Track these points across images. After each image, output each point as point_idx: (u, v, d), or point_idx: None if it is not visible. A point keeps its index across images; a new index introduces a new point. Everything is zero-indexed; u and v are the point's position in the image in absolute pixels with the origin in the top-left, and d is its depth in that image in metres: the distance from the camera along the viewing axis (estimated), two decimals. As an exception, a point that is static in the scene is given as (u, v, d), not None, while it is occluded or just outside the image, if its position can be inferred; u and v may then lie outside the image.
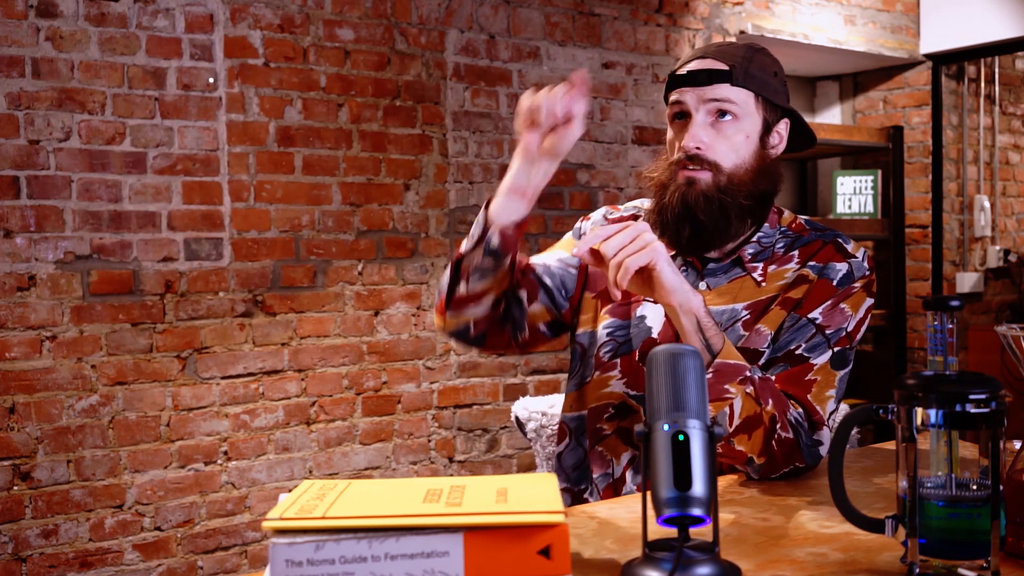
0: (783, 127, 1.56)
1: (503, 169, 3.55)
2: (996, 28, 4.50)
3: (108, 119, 2.85)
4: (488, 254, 1.43)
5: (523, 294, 1.55)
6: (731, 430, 1.35)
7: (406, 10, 3.35)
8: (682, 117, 1.51)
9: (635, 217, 1.64)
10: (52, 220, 2.78)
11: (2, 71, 2.70)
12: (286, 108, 3.13)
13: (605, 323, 1.57)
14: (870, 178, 4.75)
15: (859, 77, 5.04)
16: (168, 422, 2.94)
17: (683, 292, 1.33)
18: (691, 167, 1.48)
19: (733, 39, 4.15)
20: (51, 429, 2.77)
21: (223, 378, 3.03)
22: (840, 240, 1.54)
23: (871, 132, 4.71)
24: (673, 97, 1.51)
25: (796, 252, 1.53)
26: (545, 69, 3.66)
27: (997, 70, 5.03)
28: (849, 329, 1.47)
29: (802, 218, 1.60)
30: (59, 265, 2.79)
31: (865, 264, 1.52)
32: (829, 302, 1.47)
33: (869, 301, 1.51)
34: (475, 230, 1.45)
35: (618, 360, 1.55)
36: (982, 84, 4.98)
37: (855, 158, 5.06)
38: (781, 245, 1.54)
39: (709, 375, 1.32)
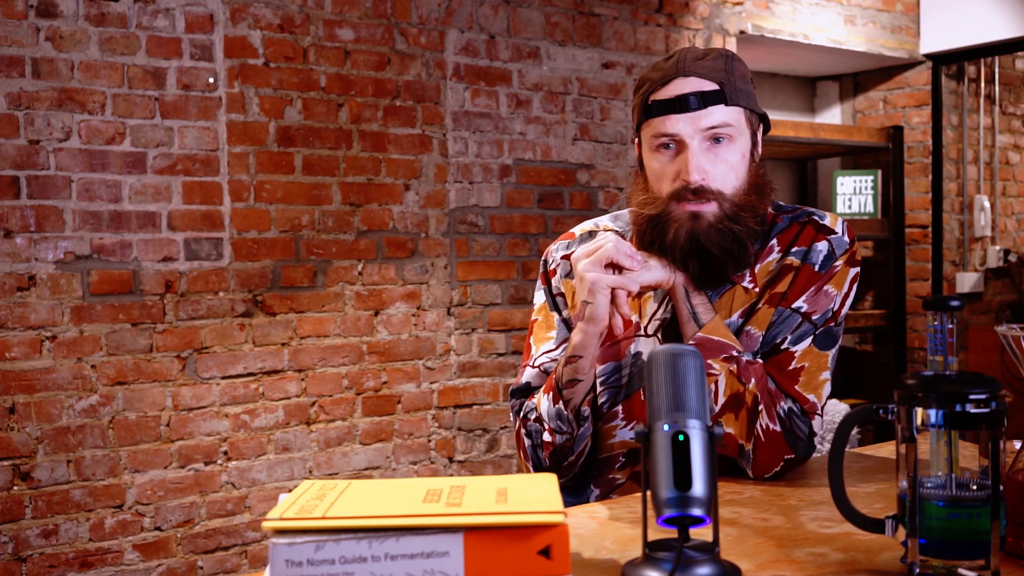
0: (760, 132, 1.50)
1: (503, 169, 3.55)
2: (996, 28, 4.50)
3: (108, 119, 2.85)
4: (583, 420, 1.47)
5: None
6: (717, 408, 1.36)
7: (406, 10, 3.35)
8: (670, 146, 1.42)
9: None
10: (52, 220, 2.78)
11: (2, 71, 2.70)
12: (286, 108, 3.13)
13: (599, 369, 1.51)
14: (870, 178, 4.75)
15: (859, 77, 5.04)
16: (168, 422, 2.94)
17: (655, 274, 1.40)
18: (693, 200, 1.40)
19: (733, 39, 4.15)
20: (51, 429, 2.77)
21: (223, 378, 3.03)
22: (816, 217, 1.50)
23: (871, 132, 4.71)
24: (662, 127, 1.41)
25: (774, 240, 1.49)
26: (545, 69, 3.66)
27: (997, 70, 5.03)
28: (835, 308, 1.45)
29: (772, 204, 1.53)
30: (59, 265, 2.79)
31: (845, 237, 1.48)
32: (813, 288, 1.44)
33: (854, 271, 1.47)
34: (556, 424, 1.45)
35: (619, 407, 1.50)
36: (982, 84, 4.98)
37: (855, 158, 5.06)
38: (760, 241, 1.49)
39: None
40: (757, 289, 1.47)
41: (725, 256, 1.41)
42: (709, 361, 1.37)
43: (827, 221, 1.50)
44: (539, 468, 1.50)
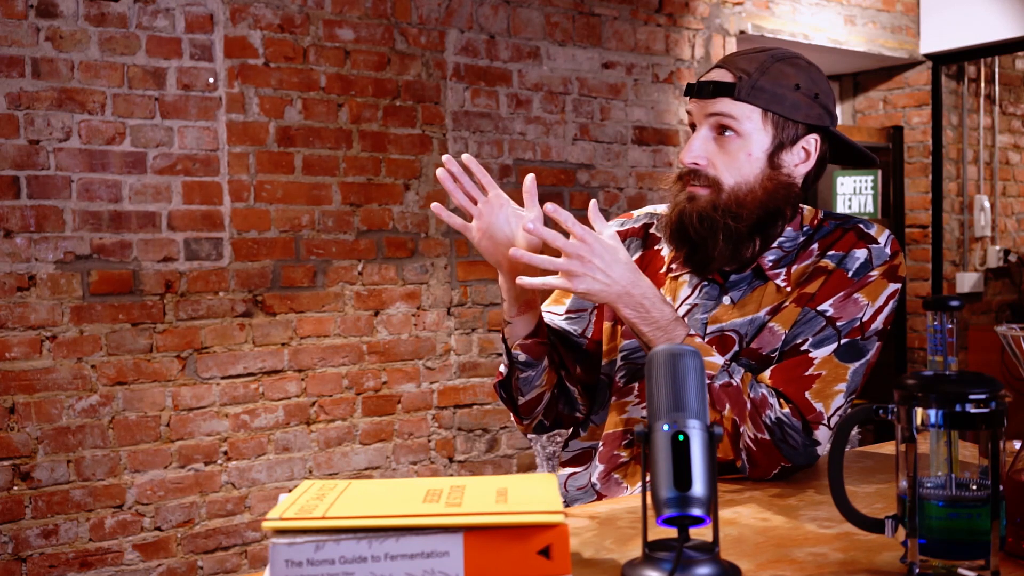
0: (812, 143, 1.46)
1: (503, 169, 3.55)
2: (996, 28, 4.50)
3: (108, 119, 2.85)
4: (523, 367, 1.47)
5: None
6: None
7: (406, 10, 3.35)
8: (694, 129, 1.48)
9: (646, 227, 1.61)
10: (52, 220, 2.78)
11: (2, 71, 2.70)
12: (286, 108, 3.13)
13: (622, 346, 1.53)
14: (870, 178, 4.75)
15: (859, 77, 5.04)
16: (168, 422, 2.94)
17: (610, 290, 1.32)
18: (693, 182, 1.45)
19: (733, 39, 4.15)
20: (51, 429, 2.77)
21: (223, 378, 3.03)
22: (862, 226, 1.48)
23: (871, 132, 4.71)
24: (687, 107, 1.50)
25: (816, 244, 1.48)
26: (545, 69, 3.66)
27: (997, 70, 5.03)
28: (864, 319, 1.41)
29: (823, 212, 1.54)
30: (59, 265, 2.79)
31: (887, 249, 1.45)
32: (842, 294, 1.42)
33: (892, 287, 1.44)
34: (504, 356, 1.50)
35: (635, 384, 1.50)
36: (982, 84, 4.98)
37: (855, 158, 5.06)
38: (802, 243, 1.49)
39: None
40: (789, 288, 1.46)
41: (700, 243, 1.43)
42: None
43: (872, 231, 1.48)
44: (498, 393, 1.57)
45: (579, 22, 3.73)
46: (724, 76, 1.44)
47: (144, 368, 2.90)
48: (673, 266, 1.54)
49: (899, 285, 1.46)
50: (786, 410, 1.36)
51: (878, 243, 1.46)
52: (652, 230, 1.61)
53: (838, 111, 5.14)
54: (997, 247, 4.98)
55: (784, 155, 1.45)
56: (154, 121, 2.91)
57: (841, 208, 4.79)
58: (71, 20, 2.79)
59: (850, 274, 1.44)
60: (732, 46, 4.14)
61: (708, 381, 1.35)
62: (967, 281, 4.87)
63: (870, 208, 4.75)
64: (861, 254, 1.45)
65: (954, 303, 0.97)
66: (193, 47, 2.97)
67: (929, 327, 0.99)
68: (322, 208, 3.20)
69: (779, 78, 1.43)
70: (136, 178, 2.89)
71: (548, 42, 3.67)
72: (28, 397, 2.74)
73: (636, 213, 1.66)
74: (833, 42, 4.44)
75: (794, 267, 1.48)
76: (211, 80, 3.00)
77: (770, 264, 1.47)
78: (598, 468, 1.52)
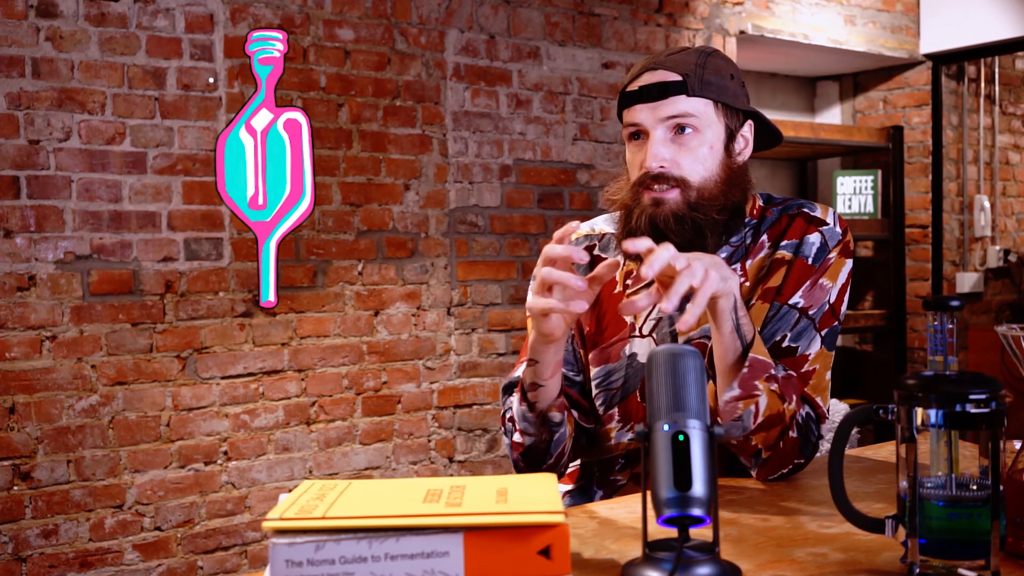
0: (747, 130, 1.49)
1: (503, 169, 3.55)
2: (996, 28, 4.50)
3: (108, 119, 2.85)
4: (557, 427, 1.42)
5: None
6: (753, 427, 1.30)
7: (406, 10, 3.35)
8: (639, 137, 1.45)
9: (589, 249, 1.55)
10: (52, 220, 2.78)
11: (2, 71, 2.70)
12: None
13: (593, 373, 1.51)
14: (870, 178, 4.75)
15: (859, 77, 5.04)
16: (168, 422, 2.94)
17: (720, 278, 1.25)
18: (656, 187, 1.41)
19: (733, 39, 4.15)
20: (51, 429, 2.77)
21: (223, 378, 3.03)
22: (806, 209, 1.48)
23: (871, 132, 4.71)
24: (628, 116, 1.45)
25: (764, 236, 1.48)
26: (545, 69, 3.66)
27: (997, 70, 5.03)
28: (832, 301, 1.43)
29: (761, 198, 1.53)
30: (59, 265, 2.79)
31: (837, 228, 1.47)
32: (808, 283, 1.43)
33: (848, 263, 1.46)
34: (523, 425, 1.42)
35: (615, 409, 1.49)
36: (982, 84, 4.98)
37: (855, 158, 5.06)
38: (750, 235, 1.49)
39: (745, 370, 1.27)
40: (748, 284, 1.46)
41: (685, 246, 1.36)
42: (755, 383, 1.29)
43: (818, 212, 1.48)
44: (517, 465, 1.49)
45: (579, 22, 3.73)
46: (668, 76, 1.42)
47: (144, 368, 2.90)
48: (628, 282, 1.50)
49: (852, 259, 1.48)
50: (806, 409, 1.38)
51: (828, 224, 1.47)
52: (596, 251, 1.57)
53: (838, 111, 5.14)
54: (997, 247, 4.98)
55: (734, 144, 1.47)
56: (154, 121, 2.91)
57: (841, 208, 4.79)
58: (71, 20, 2.79)
59: (810, 261, 1.44)
60: (732, 46, 4.15)
61: (773, 372, 1.31)
62: (967, 281, 4.87)
63: (870, 208, 4.75)
64: (815, 239, 1.45)
65: (954, 303, 0.97)
66: (193, 47, 2.97)
67: (929, 327, 0.99)
68: (322, 208, 3.20)
69: (717, 70, 1.45)
70: (136, 178, 2.89)
71: (548, 42, 3.67)
72: (28, 397, 2.74)
73: (572, 237, 1.58)
74: (833, 42, 4.44)
75: (748, 261, 1.47)
76: (211, 80, 3.00)
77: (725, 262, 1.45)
78: (598, 494, 1.53)
